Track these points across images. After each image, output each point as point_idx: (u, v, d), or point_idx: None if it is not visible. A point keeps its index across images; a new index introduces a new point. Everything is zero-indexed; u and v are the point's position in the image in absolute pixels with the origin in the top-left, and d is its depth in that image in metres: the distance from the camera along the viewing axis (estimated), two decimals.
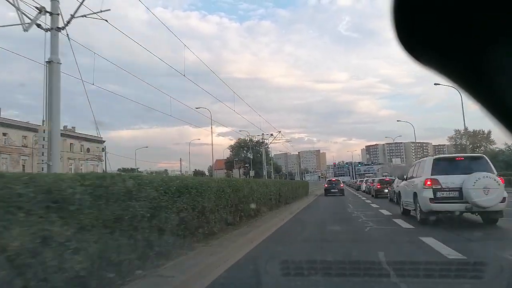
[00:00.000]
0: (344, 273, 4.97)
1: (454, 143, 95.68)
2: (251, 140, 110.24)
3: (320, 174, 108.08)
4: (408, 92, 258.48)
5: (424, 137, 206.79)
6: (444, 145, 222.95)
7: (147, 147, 65.63)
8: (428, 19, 0.66)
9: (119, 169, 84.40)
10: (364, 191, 37.15)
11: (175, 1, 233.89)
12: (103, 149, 52.32)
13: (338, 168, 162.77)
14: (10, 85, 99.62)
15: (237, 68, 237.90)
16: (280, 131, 40.70)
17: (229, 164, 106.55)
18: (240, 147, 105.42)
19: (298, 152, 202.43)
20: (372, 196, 26.81)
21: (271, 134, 40.92)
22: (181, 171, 67.22)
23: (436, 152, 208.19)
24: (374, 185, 26.94)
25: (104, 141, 53.31)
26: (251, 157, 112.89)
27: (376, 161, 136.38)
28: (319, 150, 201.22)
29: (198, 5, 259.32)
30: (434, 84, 57.99)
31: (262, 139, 41.22)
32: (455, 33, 0.66)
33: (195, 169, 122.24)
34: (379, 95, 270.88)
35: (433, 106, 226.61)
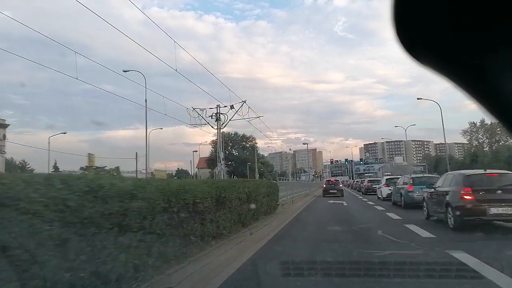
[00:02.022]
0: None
1: (469, 137, 78.54)
2: (236, 134, 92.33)
3: (314, 173, 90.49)
4: (404, 93, 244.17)
5: (421, 137, 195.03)
6: (446, 143, 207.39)
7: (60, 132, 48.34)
8: (428, 19, 0.63)
9: (81, 168, 68.11)
10: (385, 199, 20.42)
11: (171, 0, 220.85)
12: (4, 137, 34.60)
13: (335, 167, 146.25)
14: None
15: (233, 68, 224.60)
16: (245, 101, 23.83)
17: (211, 162, 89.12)
18: (223, 142, 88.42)
19: (294, 151, 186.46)
20: (431, 217, 9.60)
21: (231, 107, 23.94)
22: (136, 170, 50.09)
23: (437, 151, 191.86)
24: (448, 193, 9.31)
25: (7, 125, 35.64)
26: (236, 153, 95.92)
27: (377, 158, 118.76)
28: (315, 149, 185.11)
29: (194, 4, 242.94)
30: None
31: (217, 113, 24.19)
32: (455, 33, 0.63)
33: (178, 168, 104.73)
34: (375, 96, 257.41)
35: (428, 106, 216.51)
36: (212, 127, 24.82)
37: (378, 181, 31.80)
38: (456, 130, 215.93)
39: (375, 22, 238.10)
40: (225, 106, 24.65)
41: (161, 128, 59.91)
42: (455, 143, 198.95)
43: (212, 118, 24.59)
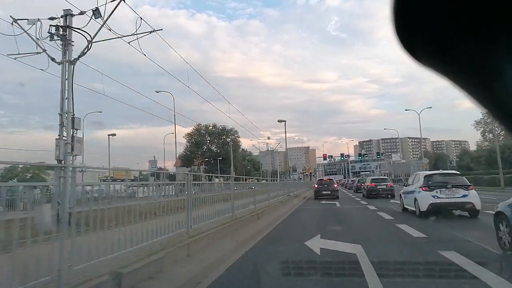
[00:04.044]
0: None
1: (482, 128, 64.98)
2: (215, 127, 71.83)
3: (302, 171, 75.44)
4: (397, 92, 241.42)
5: (416, 135, 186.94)
6: (443, 141, 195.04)
7: None
8: (428, 18, 0.62)
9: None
10: (424, 214, 10.09)
11: None
12: None
13: (329, 165, 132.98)
14: None
15: (226, 67, 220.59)
16: (155, 31, 10.21)
17: (185, 159, 73.72)
18: (200, 135, 71.60)
19: (286, 149, 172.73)
20: None
21: (95, 12, 10.10)
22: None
23: (434, 149, 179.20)
24: None
25: None
26: (216, 150, 79.44)
27: (379, 153, 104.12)
28: (308, 147, 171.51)
29: (186, 3, 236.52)
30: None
31: (62, 27, 10.34)
32: (455, 33, 0.62)
33: (158, 167, 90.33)
34: (368, 95, 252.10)
35: (420, 106, 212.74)
36: (52, 59, 10.66)
37: (384, 180, 25.80)
38: (449, 130, 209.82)
39: (367, 22, 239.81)
40: (81, 13, 10.57)
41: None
42: (452, 141, 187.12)
43: (52, 39, 10.53)
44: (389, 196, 22.98)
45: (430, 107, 42.96)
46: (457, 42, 0.62)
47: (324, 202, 19.36)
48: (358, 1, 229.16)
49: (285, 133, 29.30)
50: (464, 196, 10.74)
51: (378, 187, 23.90)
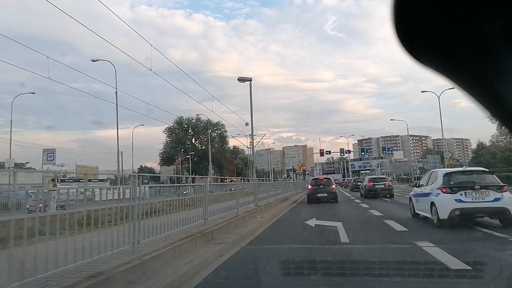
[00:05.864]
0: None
1: (498, 121, 63.33)
2: (198, 120, 64.82)
3: (293, 168, 71.63)
4: (395, 91, 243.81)
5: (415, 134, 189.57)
6: (444, 139, 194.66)
7: None
8: (428, 18, 0.62)
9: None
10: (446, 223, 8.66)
11: None
12: None
13: (327, 164, 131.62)
14: None
15: (223, 67, 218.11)
16: None
17: (166, 157, 66.95)
18: (182, 129, 65.83)
19: (283, 148, 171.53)
20: None
21: None
22: None
23: (435, 146, 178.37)
24: None
25: None
26: (200, 146, 66.55)
27: (385, 148, 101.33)
28: (305, 145, 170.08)
29: (183, 3, 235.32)
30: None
31: None
32: (455, 32, 0.62)
33: (141, 165, 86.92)
34: (366, 94, 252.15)
35: (418, 105, 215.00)
36: None
37: (383, 179, 24.69)
38: (449, 129, 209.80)
39: (364, 21, 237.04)
40: None
41: None
42: (454, 139, 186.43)
43: None
44: (388, 196, 22.10)
45: (453, 88, 41.15)
46: (457, 42, 0.62)
47: (315, 223, 10.80)
48: (355, 1, 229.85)
49: (250, 95, 22.43)
50: (497, 200, 9.06)
51: (377, 186, 22.99)
